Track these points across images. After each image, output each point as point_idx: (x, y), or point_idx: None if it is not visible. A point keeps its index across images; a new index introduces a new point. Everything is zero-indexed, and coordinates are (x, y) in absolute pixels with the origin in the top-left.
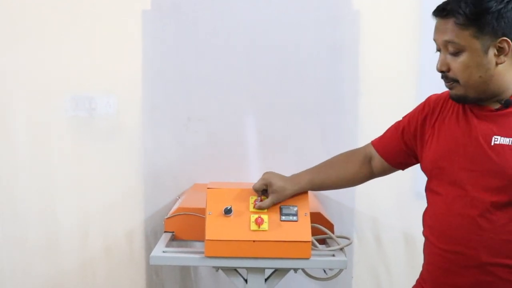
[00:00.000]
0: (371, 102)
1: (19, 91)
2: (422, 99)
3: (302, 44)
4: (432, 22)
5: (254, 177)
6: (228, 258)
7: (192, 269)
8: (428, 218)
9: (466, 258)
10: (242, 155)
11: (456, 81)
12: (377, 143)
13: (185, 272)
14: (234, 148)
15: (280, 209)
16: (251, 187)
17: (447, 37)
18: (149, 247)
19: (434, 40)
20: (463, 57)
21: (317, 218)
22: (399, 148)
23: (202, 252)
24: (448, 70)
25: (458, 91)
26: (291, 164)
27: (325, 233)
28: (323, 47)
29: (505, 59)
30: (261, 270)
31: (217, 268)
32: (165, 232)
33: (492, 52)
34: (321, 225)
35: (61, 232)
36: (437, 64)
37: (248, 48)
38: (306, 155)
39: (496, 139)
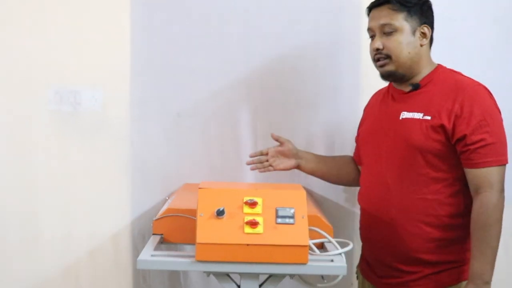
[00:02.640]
0: None
1: None
2: None
3: (301, 35)
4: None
5: (248, 177)
6: (220, 263)
7: (182, 274)
8: (360, 188)
9: (380, 214)
10: (235, 153)
11: (389, 57)
12: (354, 156)
13: (174, 277)
14: (228, 146)
15: (276, 211)
16: (245, 188)
17: (384, 20)
18: (136, 250)
19: (370, 28)
20: (396, 36)
21: (315, 221)
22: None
23: (193, 256)
24: (383, 48)
25: (390, 67)
26: None
27: (324, 237)
28: (323, 38)
29: (426, 42)
30: (255, 275)
31: (208, 273)
32: (153, 234)
33: (417, 34)
34: (319, 228)
35: (42, 234)
36: (374, 44)
37: (243, 38)
38: None
39: (403, 114)
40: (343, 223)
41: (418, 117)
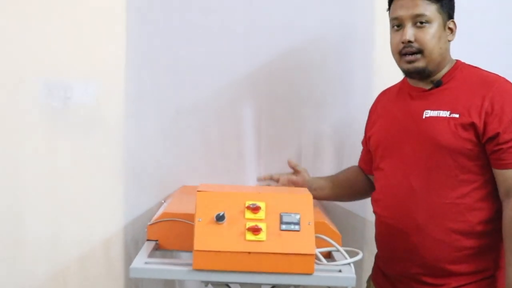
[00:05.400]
0: None
1: None
2: None
3: (308, 28)
4: None
5: (251, 179)
6: (219, 272)
7: (178, 283)
8: (375, 194)
9: (404, 221)
10: (237, 153)
11: (420, 52)
12: (361, 164)
13: (169, 287)
14: (229, 146)
15: (280, 216)
16: (247, 191)
17: (418, 10)
18: (129, 257)
19: (397, 17)
20: (430, 28)
21: (322, 228)
22: (370, 158)
23: (190, 264)
24: (414, 41)
25: (420, 63)
26: None
27: (331, 246)
28: (332, 31)
29: (453, 38)
30: (257, 286)
31: (206, 283)
32: (147, 240)
33: (447, 28)
34: (326, 236)
35: (27, 239)
36: (404, 36)
37: (246, 31)
38: (311, 155)
39: (427, 113)
40: (352, 230)
41: (445, 115)
